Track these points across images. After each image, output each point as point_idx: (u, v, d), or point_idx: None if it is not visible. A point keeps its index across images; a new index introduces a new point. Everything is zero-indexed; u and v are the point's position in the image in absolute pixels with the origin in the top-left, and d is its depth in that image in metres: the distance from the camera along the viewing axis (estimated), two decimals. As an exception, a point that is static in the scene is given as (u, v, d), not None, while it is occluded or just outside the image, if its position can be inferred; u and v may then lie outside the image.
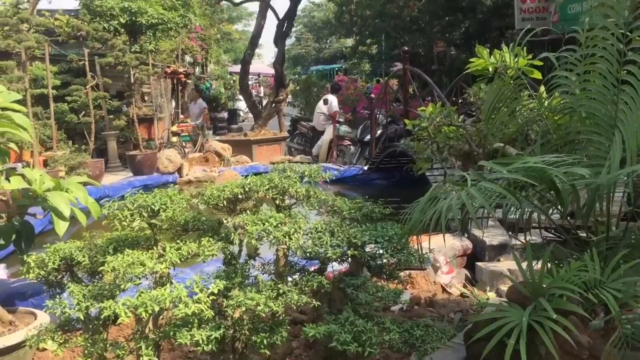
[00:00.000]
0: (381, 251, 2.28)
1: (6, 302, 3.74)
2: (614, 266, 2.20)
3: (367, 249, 2.37)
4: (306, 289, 2.11)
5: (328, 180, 2.61)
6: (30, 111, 8.01)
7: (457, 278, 5.28)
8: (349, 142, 12.24)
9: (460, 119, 3.98)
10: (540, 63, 3.79)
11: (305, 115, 16.86)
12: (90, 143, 10.32)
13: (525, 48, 3.59)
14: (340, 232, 2.19)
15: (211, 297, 2.05)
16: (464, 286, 5.17)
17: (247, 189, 2.31)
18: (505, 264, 5.10)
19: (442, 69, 21.46)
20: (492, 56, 3.94)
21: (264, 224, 2.07)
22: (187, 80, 20.40)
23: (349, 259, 2.34)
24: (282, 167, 2.54)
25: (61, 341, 2.30)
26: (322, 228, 2.21)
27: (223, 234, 2.39)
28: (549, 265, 2.35)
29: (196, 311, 1.91)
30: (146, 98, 14.77)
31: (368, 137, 11.50)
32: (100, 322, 2.12)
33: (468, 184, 2.04)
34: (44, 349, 3.70)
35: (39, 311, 3.64)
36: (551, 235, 2.93)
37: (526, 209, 2.55)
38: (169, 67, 16.58)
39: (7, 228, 3.67)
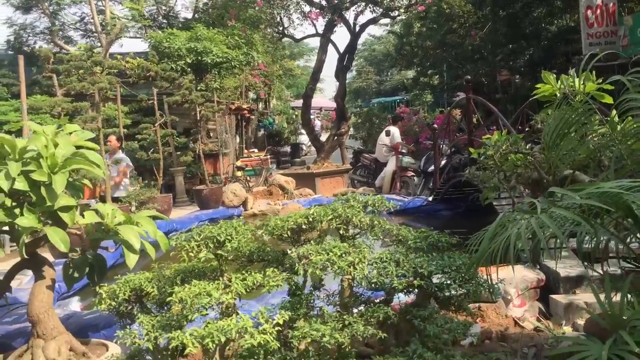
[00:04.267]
0: (449, 281, 2.22)
1: (79, 334, 3.86)
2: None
3: (434, 280, 2.31)
4: (372, 320, 2.07)
5: (392, 210, 2.57)
6: (102, 149, 8.38)
7: (530, 311, 5.07)
8: (413, 173, 12.12)
9: (528, 147, 3.85)
10: (610, 87, 3.65)
11: (368, 147, 16.88)
12: (159, 179, 10.68)
13: (593, 74, 3.47)
14: (406, 262, 2.15)
15: (277, 328, 2.05)
16: (538, 320, 4.95)
17: (310, 219, 2.31)
18: (582, 297, 4.87)
19: (507, 97, 21.07)
20: (558, 81, 3.83)
21: (328, 254, 2.06)
22: (251, 116, 20.88)
23: (415, 290, 2.28)
24: (345, 197, 2.53)
25: (131, 371, 2.34)
26: (387, 258, 2.17)
27: (288, 265, 2.39)
28: (629, 296, 2.22)
29: (262, 342, 1.90)
30: (211, 134, 15.20)
31: (431, 167, 11.35)
32: (169, 352, 2.15)
33: (538, 211, 1.97)
34: (115, 381, 3.78)
35: (111, 343, 3.73)
36: (630, 265, 2.78)
37: (602, 238, 2.42)
38: (233, 103, 17.02)
39: (81, 261, 3.81)
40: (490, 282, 2.23)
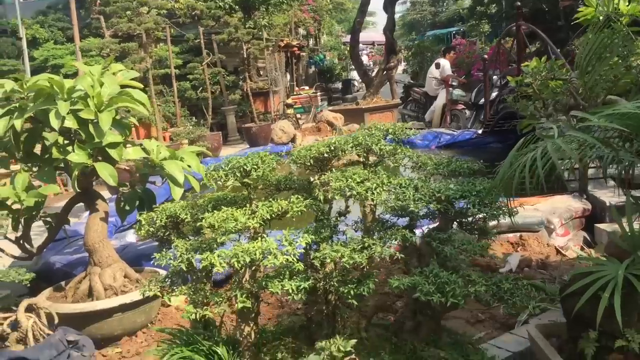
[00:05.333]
0: (468, 206, 2.27)
1: (134, 263, 4.15)
2: None
3: (457, 206, 2.37)
4: (391, 241, 2.16)
5: (414, 136, 2.62)
6: (152, 89, 8.60)
7: (573, 240, 5.07)
8: (463, 106, 11.89)
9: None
10: (658, 6, 3.47)
11: (419, 81, 16.58)
12: (208, 117, 10.94)
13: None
14: (424, 187, 2.21)
15: (302, 251, 2.17)
16: (581, 249, 4.95)
17: (332, 148, 2.39)
18: (627, 226, 4.80)
19: (569, 25, 20.04)
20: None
21: (347, 180, 2.15)
22: (301, 53, 20.75)
23: (438, 214, 2.35)
24: (367, 127, 2.59)
25: (169, 290, 2.54)
26: (405, 184, 2.24)
27: (314, 193, 2.49)
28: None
29: (284, 262, 2.03)
30: (261, 72, 15.26)
31: (483, 100, 11.11)
32: (203, 273, 2.32)
33: (555, 135, 1.98)
34: (168, 305, 4.07)
35: (162, 270, 4.00)
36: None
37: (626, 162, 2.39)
38: (282, 40, 16.94)
39: (131, 195, 4.05)
40: (510, 206, 2.27)
